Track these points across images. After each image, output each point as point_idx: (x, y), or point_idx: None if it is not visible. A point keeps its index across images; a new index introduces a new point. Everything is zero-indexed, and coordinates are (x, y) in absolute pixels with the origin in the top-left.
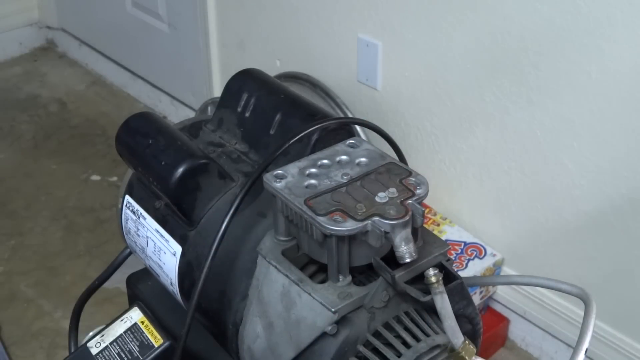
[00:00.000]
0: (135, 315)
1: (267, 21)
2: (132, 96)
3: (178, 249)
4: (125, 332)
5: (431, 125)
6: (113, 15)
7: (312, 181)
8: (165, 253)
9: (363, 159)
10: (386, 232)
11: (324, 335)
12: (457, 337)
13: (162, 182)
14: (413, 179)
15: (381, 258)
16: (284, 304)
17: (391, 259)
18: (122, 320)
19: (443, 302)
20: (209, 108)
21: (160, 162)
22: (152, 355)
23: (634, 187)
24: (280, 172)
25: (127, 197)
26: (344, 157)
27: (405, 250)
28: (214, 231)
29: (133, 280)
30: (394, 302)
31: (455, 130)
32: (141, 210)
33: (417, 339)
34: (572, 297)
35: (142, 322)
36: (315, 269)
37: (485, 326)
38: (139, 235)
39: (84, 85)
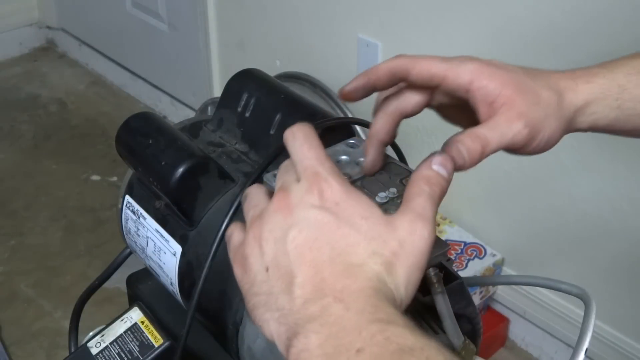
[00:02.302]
0: (135, 315)
1: (267, 21)
2: (132, 96)
3: (178, 249)
4: (125, 332)
5: (431, 125)
6: (113, 15)
7: None
8: (165, 253)
9: (363, 159)
10: None
11: None
12: (457, 337)
13: (162, 182)
14: None
15: None
16: None
17: None
18: (122, 320)
19: (443, 302)
20: (209, 108)
21: (160, 162)
22: (152, 355)
23: (634, 187)
24: None
25: (127, 197)
26: (344, 157)
27: None
28: (214, 231)
29: (133, 280)
30: None
31: (455, 130)
32: (141, 210)
33: None
34: (572, 297)
35: (142, 322)
36: None
37: (485, 326)
38: (139, 235)
39: (84, 85)
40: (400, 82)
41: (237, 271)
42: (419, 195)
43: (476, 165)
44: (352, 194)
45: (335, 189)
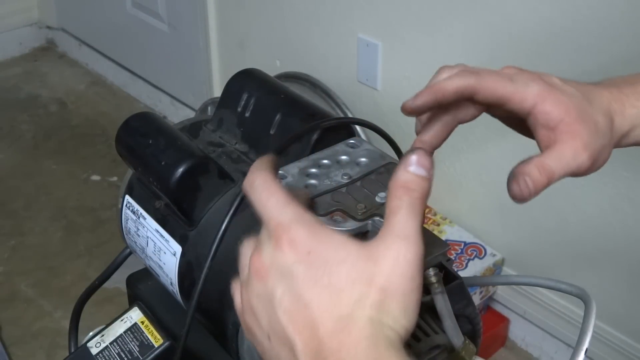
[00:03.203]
0: (135, 315)
1: (267, 21)
2: (132, 96)
3: (178, 249)
4: (125, 332)
5: None
6: (113, 15)
7: (312, 181)
8: (165, 253)
9: (363, 159)
10: None
11: None
12: (457, 337)
13: (162, 182)
14: None
15: None
16: None
17: None
18: (122, 320)
19: (443, 302)
20: (209, 108)
21: (160, 162)
22: (152, 355)
23: (634, 187)
24: (280, 172)
25: (127, 197)
26: (344, 157)
27: None
28: (214, 231)
29: (133, 280)
30: None
31: (455, 130)
32: (141, 210)
33: (417, 339)
34: (572, 297)
35: (142, 322)
36: None
37: (485, 326)
38: (139, 235)
39: (84, 85)
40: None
41: (248, 337)
42: (397, 211)
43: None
44: (321, 237)
45: (302, 237)
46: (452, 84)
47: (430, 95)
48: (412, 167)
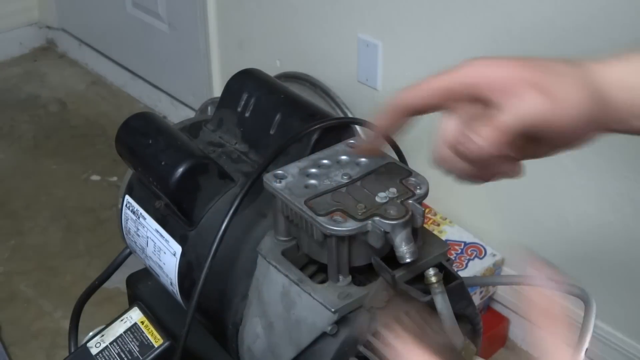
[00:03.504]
0: (135, 315)
1: (267, 21)
2: (132, 96)
3: (178, 249)
4: (125, 332)
5: (431, 125)
6: (113, 15)
7: (312, 181)
8: (165, 253)
9: (363, 159)
10: (386, 232)
11: (324, 335)
12: (457, 337)
13: (162, 182)
14: (413, 179)
15: (381, 258)
16: (284, 304)
17: (391, 259)
18: (122, 320)
19: (443, 303)
20: (209, 108)
21: (160, 162)
22: (152, 355)
23: (634, 187)
24: (280, 172)
25: (127, 197)
26: (344, 157)
27: (406, 250)
28: (214, 231)
29: (133, 280)
30: (394, 302)
31: None
32: (141, 210)
33: None
34: (572, 297)
35: (142, 322)
36: (315, 269)
37: (485, 326)
38: (139, 236)
39: (84, 85)
40: (407, 118)
41: None
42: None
43: (502, 149)
44: None
45: None
46: (388, 110)
47: (376, 137)
48: (547, 285)
